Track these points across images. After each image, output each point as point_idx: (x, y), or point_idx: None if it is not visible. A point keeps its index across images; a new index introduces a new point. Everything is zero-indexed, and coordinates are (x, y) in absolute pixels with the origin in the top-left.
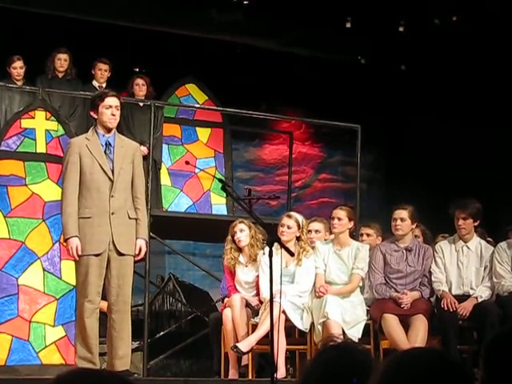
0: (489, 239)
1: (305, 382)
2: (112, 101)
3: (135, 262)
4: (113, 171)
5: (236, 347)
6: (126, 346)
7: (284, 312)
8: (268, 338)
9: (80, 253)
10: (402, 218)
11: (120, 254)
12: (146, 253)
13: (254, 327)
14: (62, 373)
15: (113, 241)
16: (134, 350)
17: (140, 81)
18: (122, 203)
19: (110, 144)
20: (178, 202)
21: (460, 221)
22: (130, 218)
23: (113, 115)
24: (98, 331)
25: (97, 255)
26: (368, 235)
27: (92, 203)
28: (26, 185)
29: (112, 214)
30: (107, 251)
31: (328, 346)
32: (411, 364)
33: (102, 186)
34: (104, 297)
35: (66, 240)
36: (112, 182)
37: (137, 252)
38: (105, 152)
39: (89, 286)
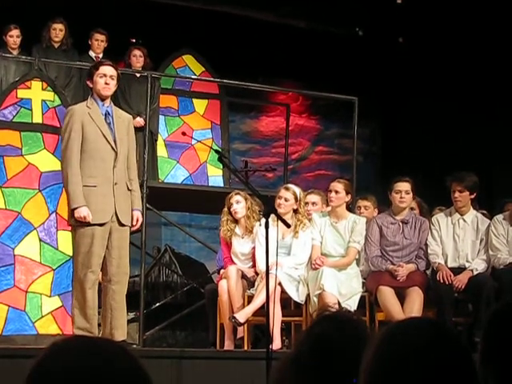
0: (483, 211)
1: (298, 353)
2: (106, 69)
3: (132, 233)
4: (115, 141)
5: (234, 317)
6: (124, 316)
7: (280, 284)
8: (264, 310)
9: (91, 221)
10: (407, 191)
11: (121, 225)
12: (142, 224)
13: (250, 299)
14: (58, 340)
15: (115, 211)
16: (129, 321)
17: (137, 52)
18: (123, 174)
19: (109, 113)
20: (174, 173)
21: (456, 193)
22: (128, 190)
23: (106, 84)
24: (97, 302)
25: (101, 225)
26: (366, 207)
27: (96, 172)
28: (22, 155)
29: (115, 184)
30: (110, 222)
31: (322, 316)
32: (406, 333)
33: (106, 156)
34: None
35: (73, 209)
36: (116, 152)
37: (134, 223)
38: (105, 121)
39: (92, 257)
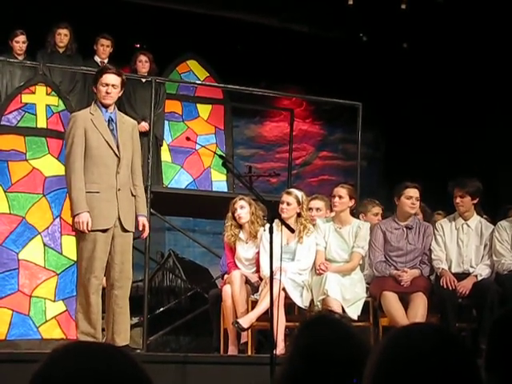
0: (485, 216)
1: (291, 360)
2: (109, 78)
3: (138, 238)
4: (118, 147)
5: (237, 322)
6: (127, 321)
7: (284, 289)
8: (268, 315)
9: (90, 228)
10: (417, 197)
11: (124, 230)
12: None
13: (254, 304)
14: (60, 345)
15: (119, 217)
16: (133, 326)
17: (143, 57)
18: (126, 180)
19: (112, 120)
20: (178, 178)
21: (458, 198)
22: (132, 195)
23: (107, 93)
24: (101, 307)
25: (104, 231)
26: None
27: (100, 178)
28: (26, 160)
29: (118, 190)
30: (113, 227)
31: (306, 322)
32: (411, 337)
33: (109, 162)
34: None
35: (75, 215)
36: (118, 158)
37: (140, 229)
38: (108, 127)
39: (95, 262)
